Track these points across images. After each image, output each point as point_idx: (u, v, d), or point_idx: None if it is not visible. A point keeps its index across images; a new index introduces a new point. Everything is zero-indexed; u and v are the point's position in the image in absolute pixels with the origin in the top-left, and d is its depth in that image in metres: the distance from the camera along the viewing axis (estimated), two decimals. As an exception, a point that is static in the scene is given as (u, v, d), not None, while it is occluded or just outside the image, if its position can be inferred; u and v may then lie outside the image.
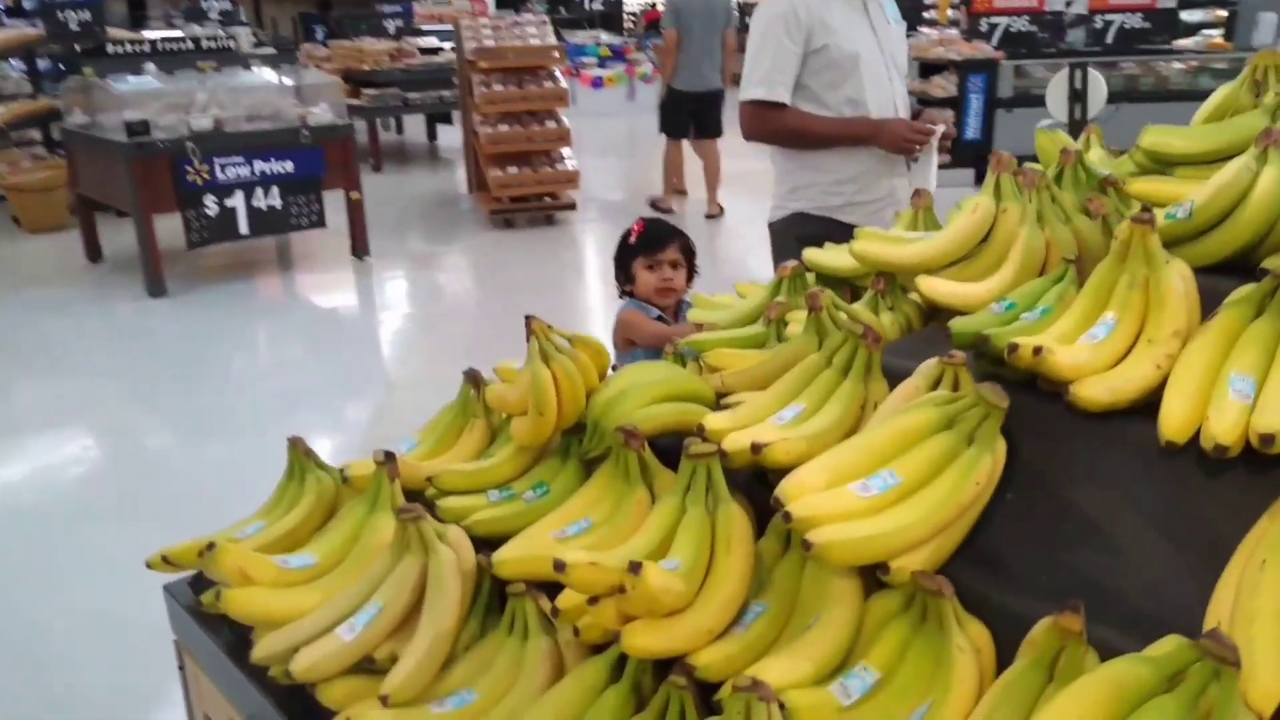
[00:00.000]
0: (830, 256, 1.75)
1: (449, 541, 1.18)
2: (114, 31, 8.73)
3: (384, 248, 6.93)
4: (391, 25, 12.28)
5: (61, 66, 8.36)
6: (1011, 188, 1.44)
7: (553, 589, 1.14)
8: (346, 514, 1.33)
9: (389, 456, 1.31)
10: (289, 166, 6.12)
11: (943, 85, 8.55)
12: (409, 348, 5.46)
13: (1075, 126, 2.58)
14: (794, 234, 2.85)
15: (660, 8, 7.49)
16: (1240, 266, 1.22)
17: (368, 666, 1.11)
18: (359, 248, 6.73)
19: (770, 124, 2.77)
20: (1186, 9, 11.21)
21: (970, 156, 7.85)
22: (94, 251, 6.81)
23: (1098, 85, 2.85)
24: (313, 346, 5.56)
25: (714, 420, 1.22)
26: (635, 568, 0.94)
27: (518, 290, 6.21)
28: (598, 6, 19.71)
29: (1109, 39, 9.25)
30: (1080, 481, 1.08)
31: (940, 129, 2.73)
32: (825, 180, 2.81)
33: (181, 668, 1.49)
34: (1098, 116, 2.86)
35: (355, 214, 6.60)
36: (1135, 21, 9.29)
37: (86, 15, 8.17)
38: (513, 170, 7.52)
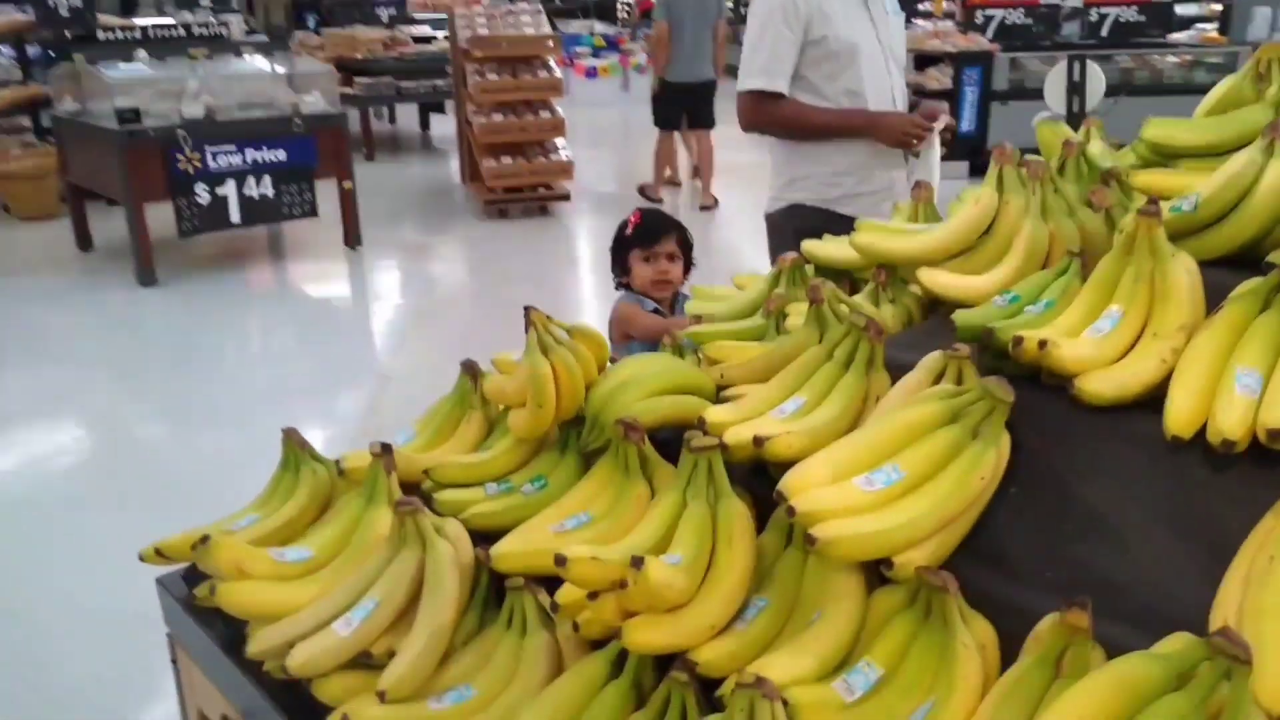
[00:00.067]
0: (829, 248, 1.74)
1: (447, 535, 1.17)
2: (105, 18, 8.64)
3: (377, 238, 6.89)
4: (384, 13, 12.20)
5: (52, 53, 8.27)
6: (1014, 180, 1.42)
7: (551, 583, 1.13)
8: (343, 507, 1.32)
9: (385, 448, 1.30)
10: (281, 155, 6.07)
11: (938, 77, 8.54)
12: (402, 338, 5.44)
13: (1073, 119, 2.57)
14: (791, 225, 2.84)
15: (654, -2, 7.47)
16: (1246, 260, 1.21)
17: (365, 661, 1.10)
18: (351, 237, 6.69)
19: (768, 114, 2.75)
20: (1181, 3, 11.23)
21: (965, 149, 7.83)
22: (84, 240, 6.76)
23: (1096, 78, 2.84)
24: (305, 336, 5.53)
25: (715, 413, 1.21)
26: (637, 563, 0.93)
27: (511, 281, 6.19)
28: (592, -4, 19.63)
29: (1104, 32, 9.25)
30: (1084, 476, 1.07)
31: (940, 124, 2.71)
32: (823, 172, 2.80)
33: (174, 661, 1.47)
34: (1096, 109, 2.85)
35: (348, 203, 6.56)
36: (1130, 15, 9.29)
37: (77, 1, 8.08)
38: (507, 160, 7.49)
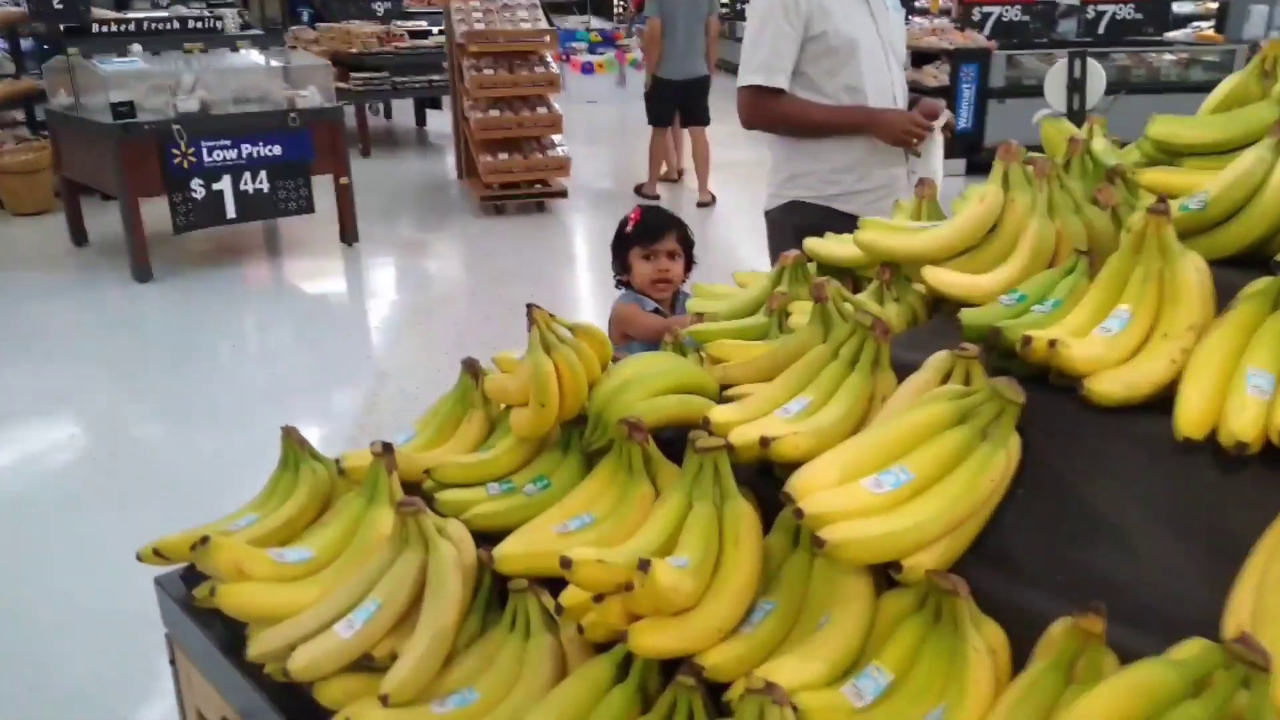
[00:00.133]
0: (832, 246, 1.73)
1: (449, 536, 1.16)
2: (99, 11, 8.58)
3: (373, 233, 6.86)
4: (380, 7, 12.16)
5: (45, 46, 8.23)
6: (1020, 177, 1.41)
7: (555, 585, 1.12)
8: (343, 506, 1.30)
9: (386, 448, 1.28)
10: (277, 150, 6.04)
11: (935, 74, 8.54)
12: (398, 335, 5.42)
13: (1074, 117, 2.56)
14: (791, 222, 2.83)
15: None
16: (1255, 259, 1.20)
17: (366, 664, 1.09)
18: (348, 233, 6.67)
19: (768, 111, 2.74)
20: (1178, 1, 11.23)
21: (962, 147, 7.84)
22: (79, 235, 6.72)
23: (1097, 75, 2.83)
24: (301, 333, 5.51)
25: (720, 413, 1.20)
26: (644, 565, 0.92)
27: (508, 278, 6.17)
28: (588, -9, 19.58)
29: (1101, 30, 9.25)
30: (1093, 478, 1.06)
31: (940, 121, 2.70)
32: (823, 169, 2.78)
33: (173, 662, 1.46)
34: (1096, 107, 2.84)
35: (344, 199, 6.54)
36: (1127, 12, 9.29)
37: (71, -6, 8.04)
38: (503, 156, 7.46)
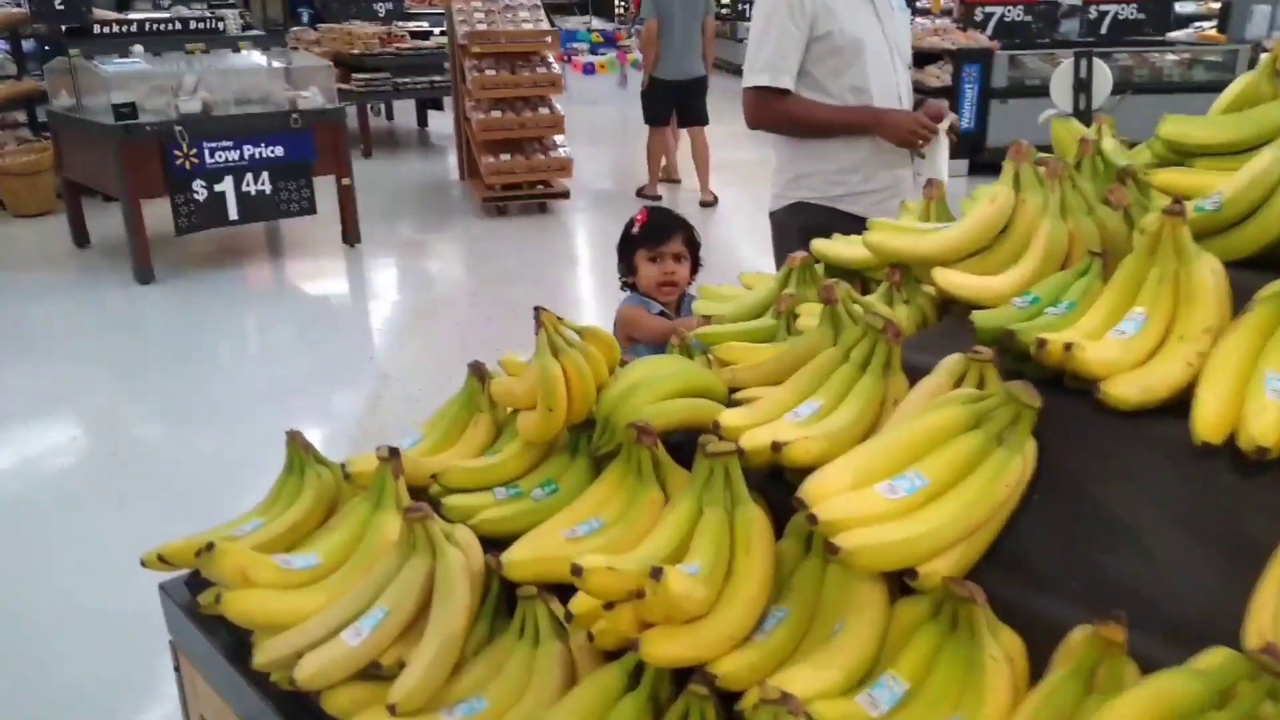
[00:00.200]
0: (839, 247, 1.71)
1: (457, 542, 1.14)
2: (100, 12, 8.58)
3: (375, 235, 6.85)
4: (381, 8, 12.15)
5: (46, 47, 8.23)
6: (1031, 178, 1.40)
7: (564, 591, 1.11)
8: (349, 512, 1.29)
9: (393, 452, 1.27)
10: (279, 151, 6.03)
11: (937, 75, 8.52)
12: (400, 336, 5.41)
13: (1080, 117, 2.55)
14: (796, 223, 2.82)
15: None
16: (1272, 260, 1.19)
17: (374, 673, 1.08)
18: (350, 234, 6.66)
19: (773, 111, 2.73)
20: (1180, 1, 11.21)
21: (965, 147, 7.82)
22: (81, 237, 6.71)
23: (1103, 75, 2.82)
24: (303, 334, 5.50)
25: (730, 417, 1.19)
26: (656, 573, 0.91)
27: (510, 279, 6.16)
28: (589, -9, 19.57)
29: (1103, 30, 9.23)
30: (1109, 482, 1.05)
31: (946, 122, 2.68)
32: (827, 169, 2.77)
33: (177, 669, 1.45)
34: (1102, 107, 2.83)
35: (346, 200, 6.53)
36: (1129, 12, 9.28)
37: (72, -5, 8.04)
38: (505, 157, 7.45)
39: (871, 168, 2.75)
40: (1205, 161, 1.49)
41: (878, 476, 0.99)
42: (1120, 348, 1.08)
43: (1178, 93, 8.07)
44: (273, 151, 6.01)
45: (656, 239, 2.52)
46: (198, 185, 5.81)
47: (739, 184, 8.05)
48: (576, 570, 0.94)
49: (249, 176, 5.96)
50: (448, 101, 9.79)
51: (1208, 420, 1.00)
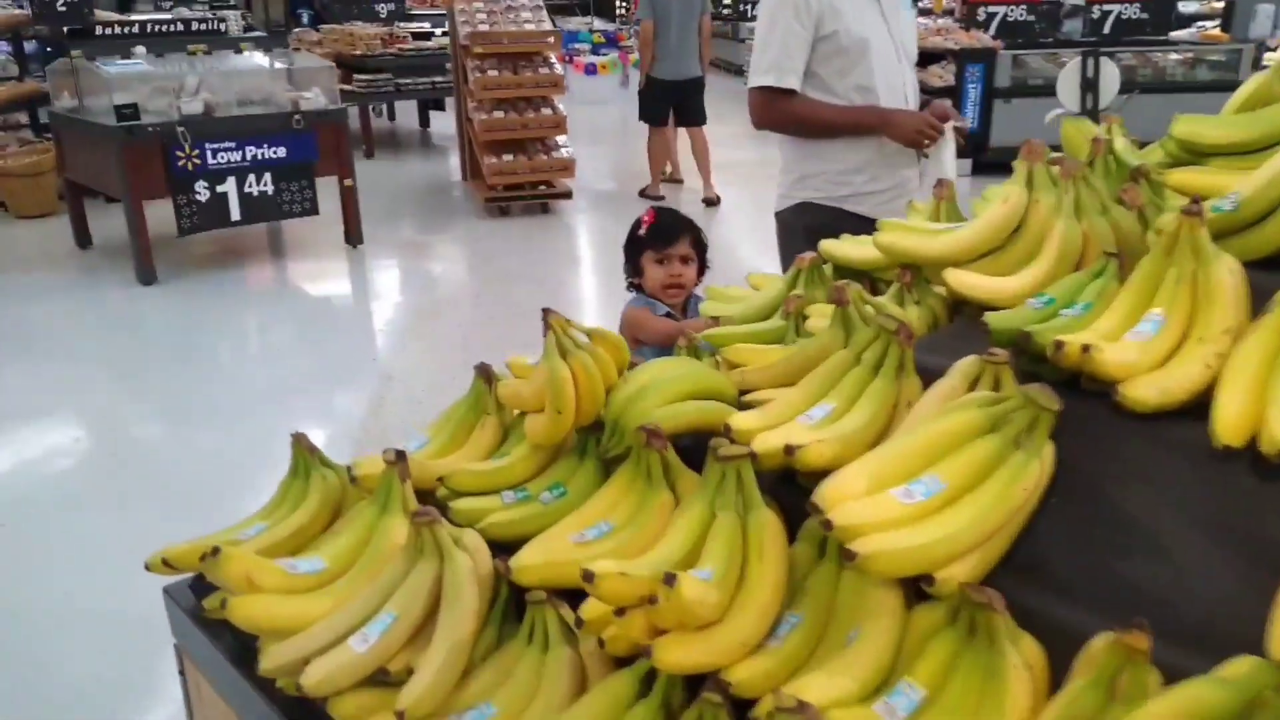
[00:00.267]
0: (847, 248, 1.70)
1: (465, 546, 1.13)
2: (102, 13, 8.59)
3: (377, 235, 6.85)
4: (383, 9, 12.15)
5: (48, 49, 8.22)
6: (1044, 178, 1.39)
7: (573, 595, 1.09)
8: (356, 515, 1.28)
9: (400, 456, 1.26)
10: (281, 152, 6.03)
11: (940, 74, 8.51)
12: (403, 337, 5.39)
13: (1087, 116, 2.54)
14: (801, 223, 2.81)
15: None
16: (1290, 261, 1.18)
17: (381, 679, 1.06)
18: (352, 235, 6.65)
19: (779, 111, 2.72)
20: (1183, 0, 11.19)
21: (968, 147, 7.80)
22: (83, 238, 6.71)
23: (1110, 75, 2.80)
24: (305, 335, 5.49)
25: (741, 420, 1.17)
26: (670, 579, 0.89)
27: (513, 280, 6.15)
28: (591, -8, 19.59)
29: (1106, 29, 9.21)
30: (1128, 486, 1.04)
31: (953, 123, 2.67)
32: (833, 170, 2.76)
33: (182, 673, 1.43)
34: (1109, 106, 2.81)
35: (348, 201, 6.52)
36: (1133, 12, 9.25)
37: (74, -3, 8.03)
38: (507, 158, 7.44)
39: (877, 168, 2.74)
40: (1219, 161, 1.47)
41: (893, 481, 0.97)
42: (1138, 349, 1.06)
43: (1181, 92, 8.05)
44: (275, 152, 6.00)
45: (663, 241, 2.50)
46: (200, 186, 5.80)
47: (740, 184, 8.05)
48: (588, 576, 0.92)
49: (251, 177, 5.95)
50: (450, 102, 9.79)
51: (1228, 422, 0.98)
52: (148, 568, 1.31)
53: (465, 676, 1.07)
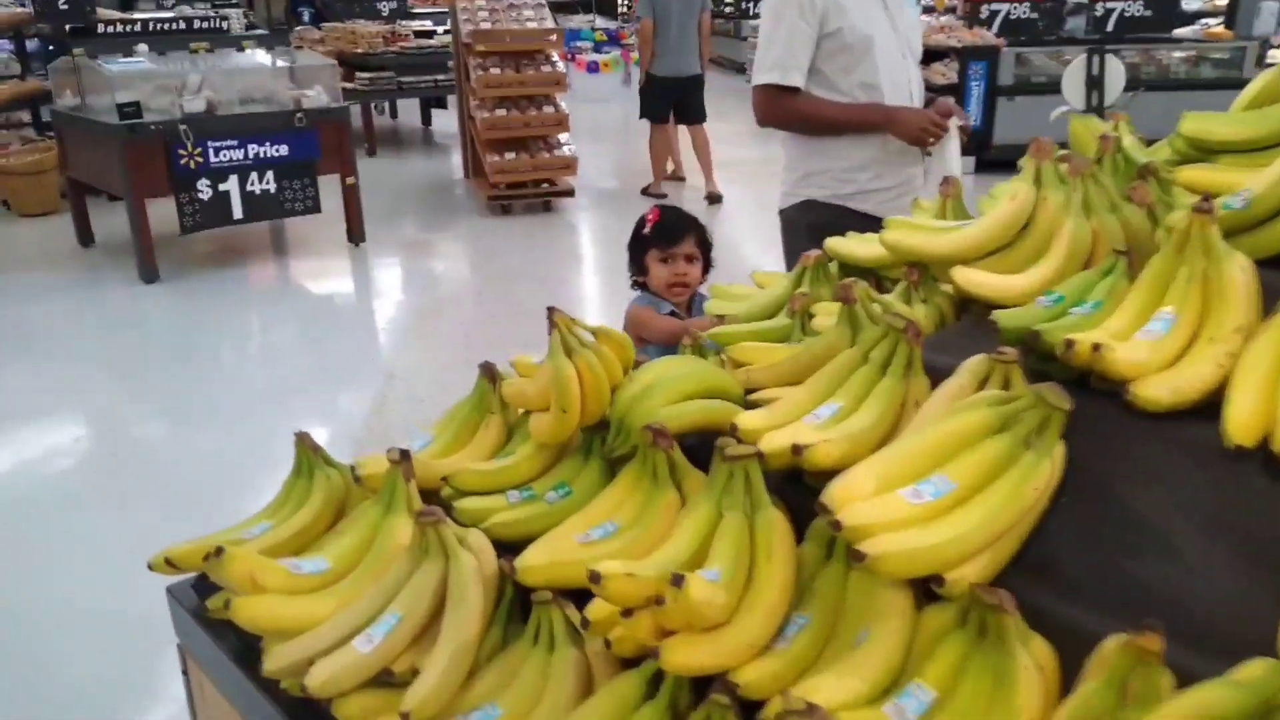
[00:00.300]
0: (853, 246, 1.69)
1: (470, 546, 1.12)
2: (104, 11, 8.58)
3: (379, 234, 6.84)
4: (384, 7, 12.15)
5: (51, 47, 8.23)
6: (1052, 175, 1.38)
7: (579, 595, 1.08)
8: (360, 515, 1.27)
9: (404, 455, 1.25)
10: (283, 150, 6.02)
11: (943, 72, 8.49)
12: (405, 335, 5.39)
13: (1093, 114, 2.52)
14: (805, 221, 2.79)
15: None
16: (1302, 260, 1.17)
17: (386, 680, 1.05)
18: (354, 233, 6.64)
19: (784, 109, 2.70)
20: (1187, -3, 11.17)
21: (971, 144, 7.79)
22: (85, 236, 6.70)
23: (1116, 72, 2.78)
24: (308, 334, 5.48)
25: (748, 420, 1.16)
26: (678, 580, 0.88)
27: (515, 278, 6.14)
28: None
29: (1109, 27, 9.19)
30: (1138, 486, 1.03)
31: (957, 120, 2.66)
32: (837, 167, 2.75)
33: (185, 673, 1.43)
34: (1115, 104, 2.79)
35: (351, 199, 6.51)
36: (1136, 9, 9.23)
37: (76, -5, 8.03)
38: (510, 156, 7.44)
39: (881, 165, 2.73)
40: (1228, 159, 1.46)
41: (903, 481, 0.97)
42: (1149, 348, 1.05)
43: (1185, 90, 8.03)
44: (277, 150, 6.00)
45: (668, 239, 2.49)
46: (202, 184, 5.79)
47: (742, 182, 8.03)
48: (595, 577, 0.91)
49: (253, 175, 5.94)
50: (452, 100, 9.78)
51: (1240, 422, 0.97)
52: (151, 567, 1.31)
53: (470, 678, 1.07)
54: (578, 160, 7.66)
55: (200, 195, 5.80)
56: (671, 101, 7.62)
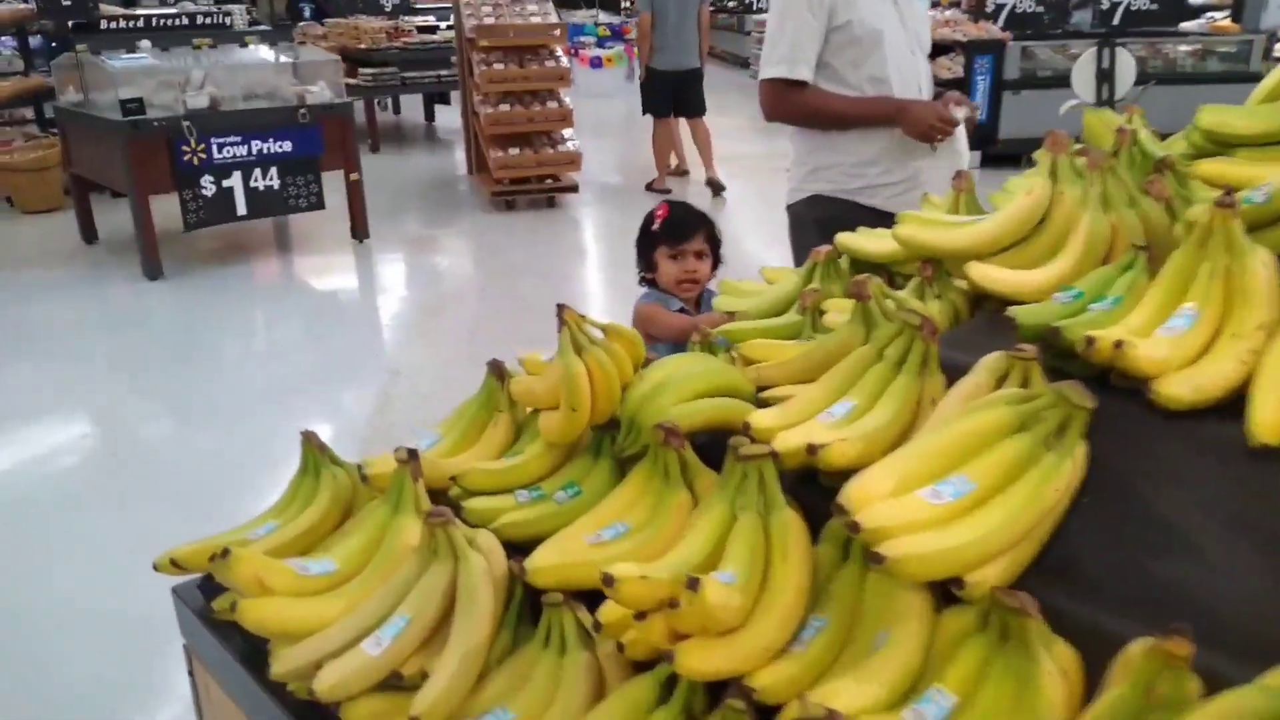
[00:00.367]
0: (863, 241, 1.67)
1: (479, 547, 1.10)
2: (106, 7, 8.57)
3: (383, 230, 6.82)
4: (387, 3, 12.12)
5: (53, 43, 8.22)
6: (1069, 169, 1.36)
7: (590, 597, 1.07)
8: (367, 515, 1.25)
9: (412, 454, 1.23)
10: (287, 146, 6.01)
11: (949, 66, 8.46)
12: (409, 332, 5.37)
13: (1103, 107, 2.50)
14: (813, 216, 2.77)
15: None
16: (1326, 254, 1.14)
17: (395, 683, 1.04)
18: (358, 230, 6.63)
19: (792, 104, 2.68)
20: (1194, -9, 11.12)
21: (977, 139, 7.76)
22: (89, 233, 6.69)
23: (1126, 65, 2.76)
24: (312, 330, 5.47)
25: (761, 418, 1.14)
26: (693, 583, 0.87)
27: (520, 274, 6.13)
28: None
29: (1116, 20, 9.14)
30: (1161, 485, 1.01)
31: (963, 112, 2.63)
32: (846, 162, 2.72)
33: (191, 674, 1.41)
34: (1125, 97, 2.77)
35: (354, 195, 6.50)
36: (1142, 3, 9.18)
37: (78, -9, 8.03)
38: (514, 151, 7.42)
39: (890, 160, 2.70)
40: (1246, 152, 1.44)
41: (921, 481, 0.95)
42: (1171, 345, 1.03)
43: (1192, 84, 7.99)
44: (281, 146, 5.98)
45: (678, 236, 2.47)
46: (206, 181, 5.78)
47: (746, 177, 8.01)
48: (608, 580, 0.90)
49: (257, 172, 5.93)
50: (455, 96, 9.76)
51: (1264, 420, 0.95)
52: (156, 568, 1.29)
53: (481, 681, 1.05)
54: (582, 156, 7.64)
55: (204, 191, 5.79)
56: (671, 95, 7.63)
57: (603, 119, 11.62)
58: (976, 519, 0.91)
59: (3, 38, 8.72)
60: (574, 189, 7.70)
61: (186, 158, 5.67)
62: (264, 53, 6.85)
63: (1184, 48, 8.87)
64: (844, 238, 1.67)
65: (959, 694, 0.86)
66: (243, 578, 1.10)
